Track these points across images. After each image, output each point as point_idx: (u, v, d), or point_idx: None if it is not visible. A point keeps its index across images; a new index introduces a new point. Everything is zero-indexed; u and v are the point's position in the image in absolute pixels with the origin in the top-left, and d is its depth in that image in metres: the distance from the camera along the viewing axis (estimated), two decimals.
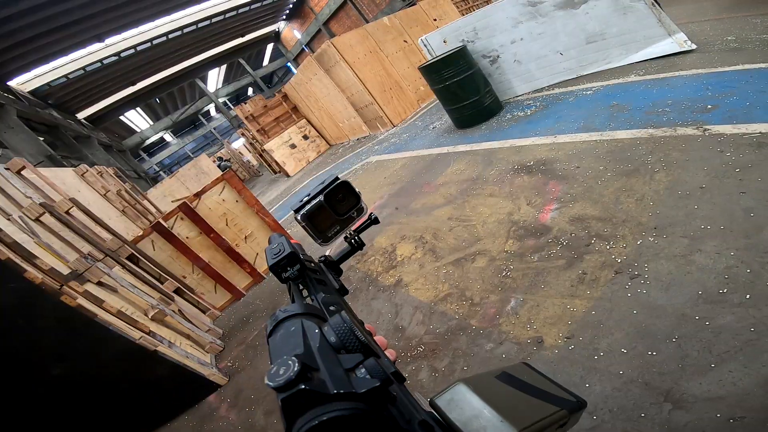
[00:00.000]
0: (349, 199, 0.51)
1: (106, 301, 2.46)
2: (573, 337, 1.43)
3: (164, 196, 10.61)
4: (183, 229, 3.76)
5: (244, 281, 4.03)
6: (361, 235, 0.55)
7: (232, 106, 25.51)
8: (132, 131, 21.52)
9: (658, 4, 3.59)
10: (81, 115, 15.20)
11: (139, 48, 13.39)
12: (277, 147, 9.66)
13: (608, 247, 1.75)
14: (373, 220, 0.56)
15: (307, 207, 0.50)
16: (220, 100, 24.40)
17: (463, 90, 3.99)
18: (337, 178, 0.51)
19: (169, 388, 2.57)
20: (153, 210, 6.44)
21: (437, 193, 3.17)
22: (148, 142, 23.04)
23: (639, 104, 2.90)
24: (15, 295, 2.16)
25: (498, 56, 4.25)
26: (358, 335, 0.33)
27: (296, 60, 26.68)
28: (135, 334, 2.45)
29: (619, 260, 1.65)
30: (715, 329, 1.20)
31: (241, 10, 16.59)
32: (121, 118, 19.02)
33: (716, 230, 1.52)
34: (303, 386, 0.27)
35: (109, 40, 11.78)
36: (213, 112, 27.58)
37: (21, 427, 2.34)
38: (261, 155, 12.05)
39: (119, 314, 2.41)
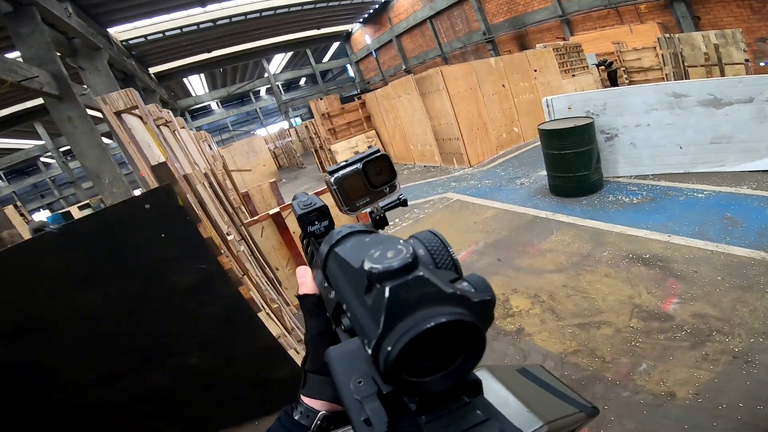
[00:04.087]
0: (385, 173, 0.52)
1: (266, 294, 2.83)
2: (700, 394, 2.02)
3: None
4: (293, 223, 4.40)
5: None
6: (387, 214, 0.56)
7: (282, 91, 27.02)
8: (188, 94, 23.16)
9: None
10: (152, 70, 16.65)
11: (233, 19, 14.84)
12: (342, 150, 10.47)
13: (727, 339, 2.32)
14: (402, 202, 0.58)
15: (343, 171, 0.51)
16: (276, 83, 25.92)
17: (578, 162, 4.59)
18: (378, 150, 0.53)
19: (277, 390, 2.63)
20: (229, 185, 7.17)
21: (544, 258, 3.71)
22: (197, 106, 24.62)
23: (753, 223, 3.42)
24: (200, 276, 2.24)
25: (616, 135, 4.85)
26: (452, 252, 0.32)
27: (358, 64, 28.22)
28: (275, 332, 2.55)
29: (736, 350, 2.23)
30: None
31: (330, 3, 18.03)
32: (184, 79, 20.57)
33: None
34: (422, 274, 0.24)
35: (210, 6, 13.19)
36: (263, 93, 29.22)
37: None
38: (316, 151, 12.94)
39: (278, 311, 2.82)
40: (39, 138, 18.98)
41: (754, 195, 3.87)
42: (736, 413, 1.87)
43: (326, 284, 0.42)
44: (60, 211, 13.36)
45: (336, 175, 0.51)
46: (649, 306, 2.73)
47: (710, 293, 2.71)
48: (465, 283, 0.29)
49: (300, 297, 0.48)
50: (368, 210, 0.54)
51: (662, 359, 2.28)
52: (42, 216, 15.35)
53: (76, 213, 12.21)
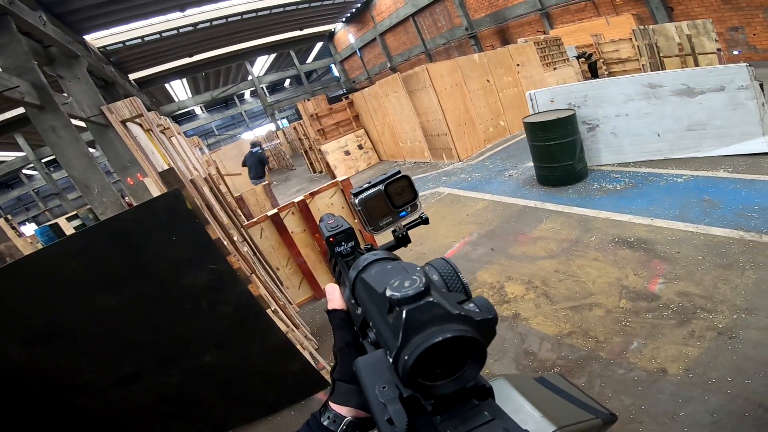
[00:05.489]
0: (406, 194, 0.55)
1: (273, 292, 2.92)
2: (690, 370, 2.14)
3: None
4: (290, 223, 4.46)
5: (327, 282, 4.69)
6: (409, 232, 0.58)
7: (267, 94, 26.83)
8: (171, 99, 22.81)
9: (763, 91, 4.20)
10: (132, 76, 16.36)
11: (214, 23, 14.65)
12: (332, 150, 10.52)
13: (711, 316, 2.46)
14: (424, 220, 0.60)
15: (366, 193, 0.54)
16: (261, 85, 25.72)
17: (562, 153, 4.75)
18: (399, 171, 0.55)
19: (290, 383, 2.76)
20: (224, 189, 7.18)
21: (536, 245, 3.86)
22: (181, 111, 24.28)
23: (730, 204, 3.61)
24: (211, 276, 2.33)
25: (597, 125, 5.03)
26: (461, 277, 0.38)
27: (342, 63, 28.15)
28: (283, 328, 2.69)
29: (720, 326, 2.36)
30: None
31: (312, 4, 17.95)
32: (166, 85, 20.25)
33: None
34: (432, 299, 0.30)
35: (189, 11, 13.00)
36: (247, 96, 28.95)
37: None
38: (306, 152, 12.94)
39: (283, 308, 2.95)
40: (20, 149, 18.50)
41: (730, 178, 4.07)
42: (726, 387, 1.99)
43: (353, 302, 0.48)
44: (47, 224, 13.07)
45: (360, 196, 0.54)
46: (637, 287, 2.88)
47: (693, 272, 2.87)
48: (471, 305, 0.34)
49: (329, 312, 0.52)
50: (391, 229, 0.57)
51: (652, 337, 2.42)
52: (30, 229, 14.98)
53: (64, 224, 11.98)
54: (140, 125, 2.88)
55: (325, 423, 0.45)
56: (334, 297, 0.53)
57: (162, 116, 3.34)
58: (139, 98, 13.66)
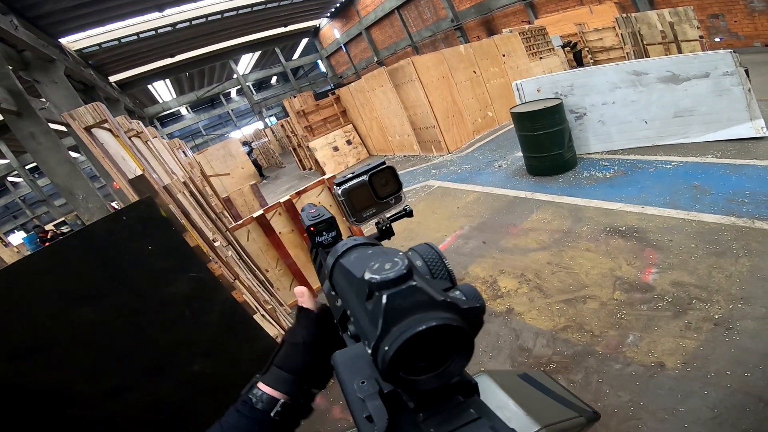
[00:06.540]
0: (390, 185, 0.53)
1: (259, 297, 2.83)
2: (688, 363, 2.06)
3: None
4: (278, 224, 4.32)
5: (318, 282, 4.57)
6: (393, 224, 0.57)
7: (254, 92, 26.39)
8: (154, 101, 22.27)
9: (748, 77, 4.13)
10: (112, 79, 15.89)
11: (193, 22, 14.21)
12: (320, 147, 10.33)
13: (706, 307, 2.38)
14: (408, 213, 0.58)
15: (350, 183, 0.52)
16: (247, 84, 25.26)
17: (551, 142, 4.65)
18: (384, 162, 0.53)
19: None
20: (209, 191, 6.97)
21: (527, 237, 3.77)
22: (165, 112, 23.75)
23: (720, 190, 3.54)
24: (193, 285, 2.26)
25: (584, 114, 4.94)
26: (446, 263, 0.35)
27: (329, 59, 27.75)
28: (272, 332, 2.65)
29: (716, 317, 2.28)
30: None
31: (295, 0, 17.55)
32: (149, 86, 19.74)
33: None
34: (415, 283, 0.26)
35: (168, 11, 12.58)
36: (233, 94, 28.44)
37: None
38: (295, 149, 12.72)
39: (272, 312, 2.84)
40: (3, 157, 17.95)
41: (719, 163, 4.01)
42: (725, 381, 1.92)
43: (333, 293, 0.44)
44: (35, 231, 12.72)
45: (343, 186, 0.53)
46: (630, 277, 2.81)
47: (686, 261, 2.80)
48: (457, 292, 0.31)
49: (300, 308, 0.50)
50: (375, 221, 0.56)
51: (648, 330, 2.34)
52: (18, 238, 14.58)
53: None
54: (110, 131, 2.70)
55: (258, 406, 0.46)
56: (305, 299, 0.52)
57: (133, 120, 3.16)
58: (122, 101, 13.33)
